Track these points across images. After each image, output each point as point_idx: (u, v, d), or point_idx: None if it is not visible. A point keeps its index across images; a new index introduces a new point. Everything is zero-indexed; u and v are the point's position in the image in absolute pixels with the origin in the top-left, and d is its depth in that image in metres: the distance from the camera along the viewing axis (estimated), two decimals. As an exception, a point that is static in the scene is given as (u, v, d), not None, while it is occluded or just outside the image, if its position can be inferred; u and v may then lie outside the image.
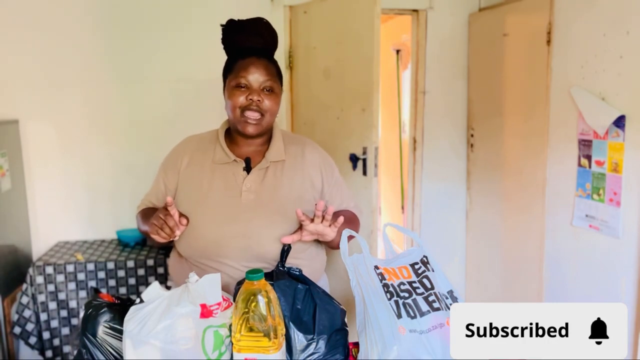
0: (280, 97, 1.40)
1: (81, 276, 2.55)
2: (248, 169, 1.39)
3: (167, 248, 2.71)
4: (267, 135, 1.45)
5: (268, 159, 1.40)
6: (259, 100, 1.34)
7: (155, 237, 1.26)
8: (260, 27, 1.41)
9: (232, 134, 1.44)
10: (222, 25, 1.43)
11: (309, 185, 1.43)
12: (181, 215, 1.29)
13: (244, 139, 1.42)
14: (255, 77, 1.35)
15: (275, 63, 1.41)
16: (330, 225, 1.27)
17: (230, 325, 1.05)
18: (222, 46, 1.44)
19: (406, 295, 1.11)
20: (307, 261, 1.39)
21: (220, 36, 1.43)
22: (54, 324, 2.55)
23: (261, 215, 1.34)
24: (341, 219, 1.28)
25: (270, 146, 1.43)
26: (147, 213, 1.41)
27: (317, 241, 1.48)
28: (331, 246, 1.42)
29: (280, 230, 1.33)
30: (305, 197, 1.40)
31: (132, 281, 2.61)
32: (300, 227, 1.29)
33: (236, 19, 1.42)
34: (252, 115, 1.35)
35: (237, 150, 1.42)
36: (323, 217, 1.26)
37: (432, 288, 1.15)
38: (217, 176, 1.39)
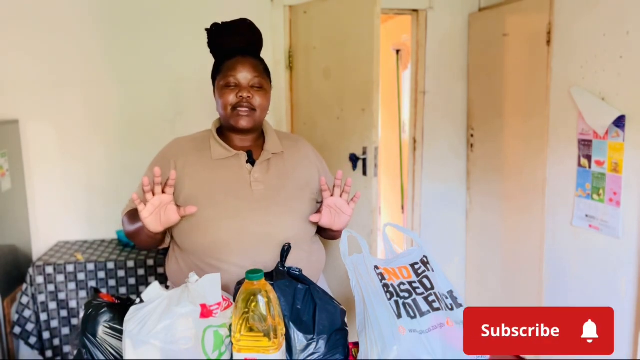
0: (269, 93, 1.42)
1: (81, 276, 2.55)
2: (251, 161, 1.40)
3: (167, 248, 2.71)
4: (259, 130, 1.47)
5: (269, 150, 1.42)
6: (249, 97, 1.36)
7: (149, 219, 1.20)
8: (244, 27, 1.43)
9: (225, 132, 1.45)
10: (206, 30, 1.45)
11: (310, 175, 1.45)
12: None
13: (238, 135, 1.43)
14: (243, 75, 1.37)
15: (261, 60, 1.43)
16: (348, 204, 1.33)
17: (230, 325, 1.05)
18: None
19: (406, 295, 1.11)
20: (307, 254, 1.39)
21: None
22: (54, 324, 2.55)
23: (276, 203, 1.36)
24: (359, 194, 1.36)
25: (266, 139, 1.45)
26: (136, 213, 1.36)
27: (317, 239, 1.49)
28: (334, 236, 1.45)
29: (297, 215, 1.37)
30: (310, 185, 1.44)
31: (132, 281, 2.61)
32: (319, 211, 1.35)
33: (220, 22, 1.44)
34: (243, 110, 1.36)
35: (233, 146, 1.43)
36: (342, 190, 1.33)
37: (432, 288, 1.15)
38: (220, 171, 1.39)
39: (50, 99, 2.84)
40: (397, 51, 4.35)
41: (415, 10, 3.22)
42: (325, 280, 1.55)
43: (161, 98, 2.95)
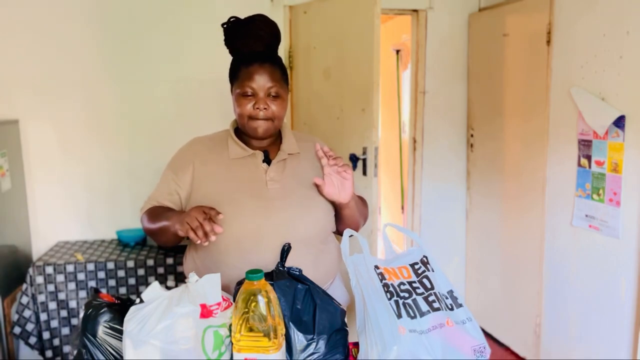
0: (286, 100, 1.42)
1: (81, 276, 2.55)
2: (268, 161, 1.41)
3: (167, 248, 2.71)
4: (276, 133, 1.47)
5: (285, 151, 1.43)
6: (265, 108, 1.36)
7: (190, 236, 1.20)
8: (259, 26, 1.42)
9: (242, 133, 1.46)
10: (223, 25, 1.43)
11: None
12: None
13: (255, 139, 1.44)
14: (260, 84, 1.36)
15: (279, 64, 1.42)
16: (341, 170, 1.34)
17: (230, 325, 1.05)
18: (222, 46, 1.45)
19: (406, 295, 1.11)
20: (315, 255, 1.39)
21: (221, 37, 1.45)
22: (54, 324, 2.55)
23: (292, 202, 1.37)
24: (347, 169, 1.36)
25: (283, 140, 1.46)
26: (158, 211, 1.39)
27: (332, 239, 1.49)
28: (350, 216, 1.44)
29: (314, 213, 1.38)
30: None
31: (132, 281, 2.61)
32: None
33: (235, 17, 1.43)
34: (259, 121, 1.37)
35: (249, 146, 1.44)
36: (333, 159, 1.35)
37: (432, 288, 1.14)
38: (236, 170, 1.40)
39: (50, 99, 2.84)
40: (397, 51, 4.35)
41: (415, 10, 3.23)
42: (341, 281, 1.55)
43: (161, 99, 2.95)
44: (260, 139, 1.41)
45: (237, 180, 1.38)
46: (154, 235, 1.41)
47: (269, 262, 1.26)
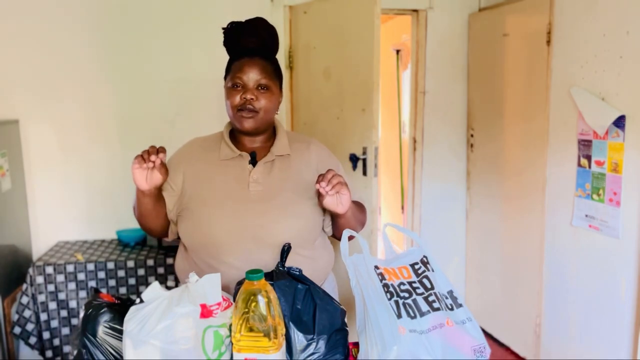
0: (278, 95, 1.42)
1: (81, 276, 2.55)
2: (254, 162, 1.41)
3: (167, 248, 2.72)
4: (269, 131, 1.47)
5: (274, 152, 1.42)
6: (252, 99, 1.35)
7: (137, 171, 1.27)
8: (258, 27, 1.43)
9: (235, 133, 1.46)
10: (223, 29, 1.44)
11: (314, 180, 1.43)
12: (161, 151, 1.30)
13: (247, 137, 1.44)
14: (249, 76, 1.36)
15: (273, 61, 1.42)
16: (337, 191, 1.27)
17: (230, 325, 1.05)
18: (221, 46, 1.46)
19: (406, 295, 1.11)
20: (310, 259, 1.39)
21: (221, 37, 1.46)
22: (54, 324, 2.55)
23: (272, 205, 1.35)
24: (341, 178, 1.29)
25: (275, 141, 1.45)
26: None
27: (324, 239, 1.49)
28: (344, 222, 1.40)
29: (294, 219, 1.35)
30: (313, 189, 1.40)
31: (132, 281, 2.61)
32: (319, 196, 1.31)
33: (236, 20, 1.44)
34: (246, 112, 1.36)
35: (241, 147, 1.44)
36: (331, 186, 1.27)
37: (432, 288, 1.14)
38: (224, 172, 1.40)
39: (50, 99, 2.84)
40: (397, 51, 4.35)
41: (415, 10, 3.23)
42: (335, 281, 1.54)
43: (161, 98, 2.95)
44: (249, 133, 1.41)
45: (222, 182, 1.38)
46: (142, 218, 1.41)
47: (245, 264, 1.22)
